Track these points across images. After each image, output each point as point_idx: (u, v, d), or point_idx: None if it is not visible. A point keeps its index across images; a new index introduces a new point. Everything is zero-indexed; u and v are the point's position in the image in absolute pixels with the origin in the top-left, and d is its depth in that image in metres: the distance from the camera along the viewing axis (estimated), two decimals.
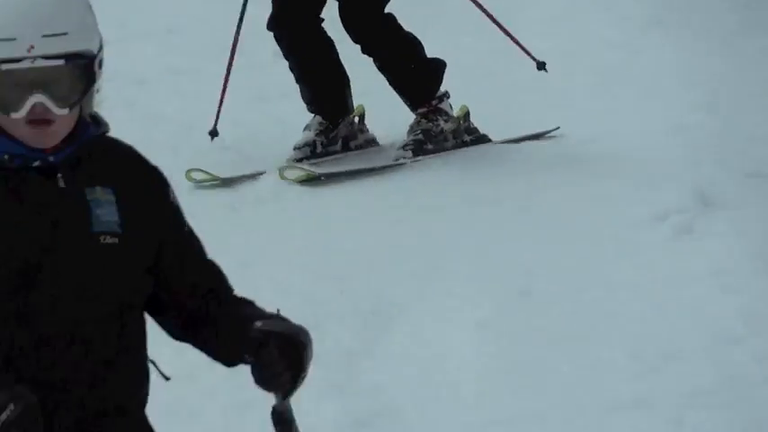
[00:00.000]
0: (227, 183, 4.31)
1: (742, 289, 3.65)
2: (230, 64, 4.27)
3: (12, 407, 1.36)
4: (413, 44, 4.00)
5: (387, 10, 4.01)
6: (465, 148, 4.12)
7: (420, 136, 3.98)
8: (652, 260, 3.85)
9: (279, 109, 4.85)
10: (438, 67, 4.05)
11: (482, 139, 4.23)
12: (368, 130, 4.24)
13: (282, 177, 4.00)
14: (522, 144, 4.59)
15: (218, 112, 4.34)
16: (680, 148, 4.65)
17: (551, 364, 3.32)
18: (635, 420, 3.10)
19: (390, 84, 4.07)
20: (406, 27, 4.11)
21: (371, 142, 4.22)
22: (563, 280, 3.72)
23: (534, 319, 3.53)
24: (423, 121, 4.02)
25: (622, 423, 3.09)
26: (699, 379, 3.24)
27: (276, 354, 1.49)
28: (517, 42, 4.55)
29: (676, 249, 3.91)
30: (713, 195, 4.21)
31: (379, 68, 4.05)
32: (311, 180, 4.04)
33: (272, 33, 4.13)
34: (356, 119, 4.20)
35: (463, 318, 3.51)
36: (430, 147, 4.01)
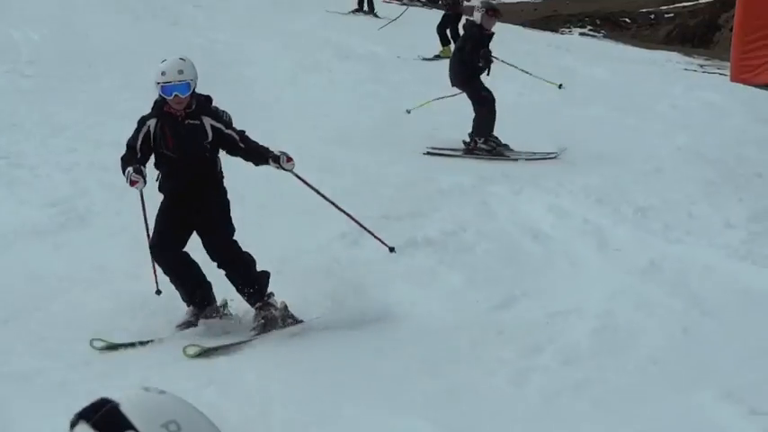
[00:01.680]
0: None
1: None
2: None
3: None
4: (252, 262, 5.76)
5: None
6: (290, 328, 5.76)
7: (263, 321, 5.71)
8: None
9: None
10: (266, 276, 5.81)
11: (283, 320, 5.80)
12: (230, 313, 5.89)
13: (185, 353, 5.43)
14: None
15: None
16: None
17: None
18: None
19: (234, 284, 5.80)
20: None
21: (230, 321, 5.86)
22: None
23: None
24: (261, 312, 5.73)
25: None
26: None
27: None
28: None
29: None
30: None
31: (227, 276, 5.79)
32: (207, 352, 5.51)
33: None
34: (221, 307, 5.89)
35: None
36: (269, 328, 5.67)
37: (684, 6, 38.42)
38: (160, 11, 18.37)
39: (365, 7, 21.17)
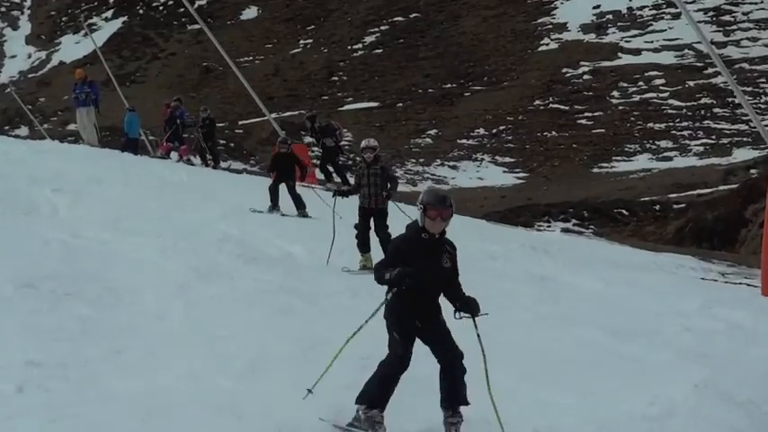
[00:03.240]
0: None
1: None
2: None
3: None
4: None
5: None
6: None
7: None
8: None
9: None
10: None
11: None
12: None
13: None
14: None
15: None
16: None
17: None
18: None
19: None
20: None
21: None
22: None
23: None
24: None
25: None
26: None
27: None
28: None
29: None
30: None
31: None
32: None
33: None
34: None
35: None
36: None
37: (699, 195, 39.14)
38: (7, 195, 18.52)
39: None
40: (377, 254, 15.49)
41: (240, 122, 75.89)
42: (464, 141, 70.26)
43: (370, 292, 11.01)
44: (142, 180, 24.61)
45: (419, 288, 8.32)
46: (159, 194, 21.95)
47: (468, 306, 8.39)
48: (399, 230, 8.81)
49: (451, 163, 65.20)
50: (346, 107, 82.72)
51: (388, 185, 16.23)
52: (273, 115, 47.98)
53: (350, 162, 54.01)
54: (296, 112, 76.51)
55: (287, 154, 22.99)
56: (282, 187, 22.29)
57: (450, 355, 8.40)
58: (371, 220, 16.27)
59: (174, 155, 35.93)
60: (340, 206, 16.74)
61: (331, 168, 32.20)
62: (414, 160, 64.96)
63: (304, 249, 16.52)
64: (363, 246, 16.33)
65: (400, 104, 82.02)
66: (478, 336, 8.33)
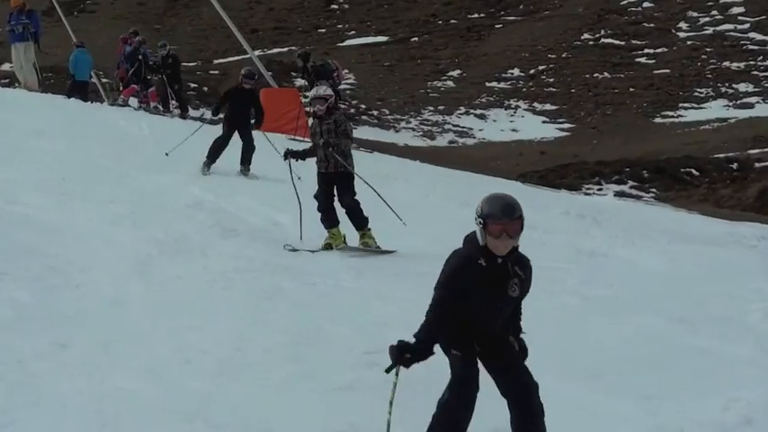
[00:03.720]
0: None
1: None
2: None
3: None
4: None
5: None
6: None
7: None
8: None
9: None
10: None
11: None
12: None
13: None
14: None
15: None
16: None
17: None
18: None
19: None
20: None
21: None
22: None
23: None
24: None
25: None
26: None
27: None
28: None
29: None
30: None
31: None
32: None
33: None
34: None
35: None
36: None
37: None
38: None
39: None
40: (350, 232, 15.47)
41: (215, 61, 75.79)
42: (494, 85, 69.95)
43: (375, 272, 11.03)
44: (93, 133, 24.63)
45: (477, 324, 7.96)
46: (114, 151, 21.94)
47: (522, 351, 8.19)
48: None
49: (478, 111, 64.92)
50: (348, 42, 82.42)
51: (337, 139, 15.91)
52: (257, 53, 47.94)
53: (352, 110, 53.96)
54: (285, 49, 76.29)
55: (249, 92, 22.46)
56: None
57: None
58: (334, 187, 16.14)
59: (133, 101, 35.87)
60: (302, 167, 16.61)
61: None
62: (431, 108, 64.70)
63: (294, 219, 16.47)
64: (329, 220, 16.15)
65: (415, 39, 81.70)
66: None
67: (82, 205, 15.83)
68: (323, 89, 16.43)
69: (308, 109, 25.99)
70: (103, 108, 33.22)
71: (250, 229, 16.01)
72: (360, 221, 15.89)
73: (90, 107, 32.05)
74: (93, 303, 11.58)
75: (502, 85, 70.61)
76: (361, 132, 45.50)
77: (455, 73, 73.62)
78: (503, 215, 7.56)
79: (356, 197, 15.85)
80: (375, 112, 58.37)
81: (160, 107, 35.89)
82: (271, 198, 18.40)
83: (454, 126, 60.59)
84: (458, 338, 7.92)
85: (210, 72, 69.46)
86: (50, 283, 11.93)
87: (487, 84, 70.10)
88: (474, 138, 57.04)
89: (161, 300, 12.09)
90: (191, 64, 67.20)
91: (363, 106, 59.20)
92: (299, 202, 16.05)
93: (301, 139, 25.97)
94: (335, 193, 16.01)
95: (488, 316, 7.94)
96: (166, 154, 21.69)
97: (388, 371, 7.55)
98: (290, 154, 16.30)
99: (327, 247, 15.82)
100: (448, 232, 9.58)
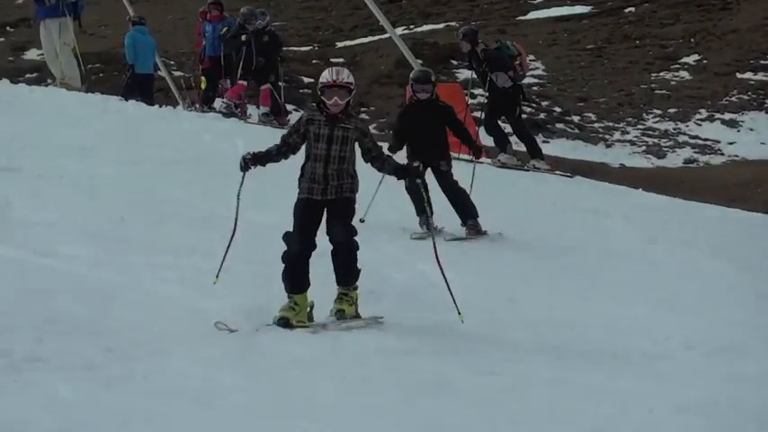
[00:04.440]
0: None
1: None
2: None
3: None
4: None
5: None
6: None
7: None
8: None
9: None
10: None
11: None
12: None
13: None
14: None
15: None
16: None
17: None
18: None
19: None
20: None
21: None
22: None
23: None
24: None
25: None
26: None
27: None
28: None
29: None
30: None
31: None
32: None
33: None
34: None
35: None
36: None
37: None
38: None
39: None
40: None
41: (338, 44, 76.51)
42: (748, 76, 69.64)
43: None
44: (162, 152, 24.92)
45: None
46: (195, 178, 22.12)
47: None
48: None
49: (727, 116, 64.62)
50: (533, 14, 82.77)
51: (373, 158, 15.37)
52: (400, 31, 48.28)
53: (541, 115, 54.02)
54: (440, 25, 76.95)
55: (430, 104, 22.61)
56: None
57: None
58: (322, 215, 15.12)
59: (218, 102, 35.83)
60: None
61: (507, 126, 31.52)
62: (658, 111, 64.33)
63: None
64: (296, 279, 15.12)
65: (631, 9, 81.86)
66: None
67: (149, 259, 16.01)
68: (345, 73, 15.22)
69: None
70: (179, 114, 33.50)
71: (396, 290, 16.02)
72: (347, 272, 15.05)
73: (157, 113, 32.32)
74: (169, 402, 11.63)
75: (760, 76, 69.91)
76: (553, 147, 45.52)
77: (691, 59, 73.34)
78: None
79: (356, 237, 14.99)
80: (575, 118, 57.92)
81: (233, 108, 35.96)
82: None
83: (692, 138, 60.21)
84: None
85: (331, 60, 69.67)
86: (106, 373, 12.00)
87: (739, 75, 69.64)
88: (722, 154, 56.65)
89: (268, 397, 12.12)
90: (303, 49, 67.83)
91: (558, 109, 58.79)
92: (234, 228, 15.34)
93: (470, 158, 25.24)
94: (320, 229, 15.03)
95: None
96: (361, 220, 20.28)
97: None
98: (249, 161, 15.12)
99: (282, 321, 14.82)
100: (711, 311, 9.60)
